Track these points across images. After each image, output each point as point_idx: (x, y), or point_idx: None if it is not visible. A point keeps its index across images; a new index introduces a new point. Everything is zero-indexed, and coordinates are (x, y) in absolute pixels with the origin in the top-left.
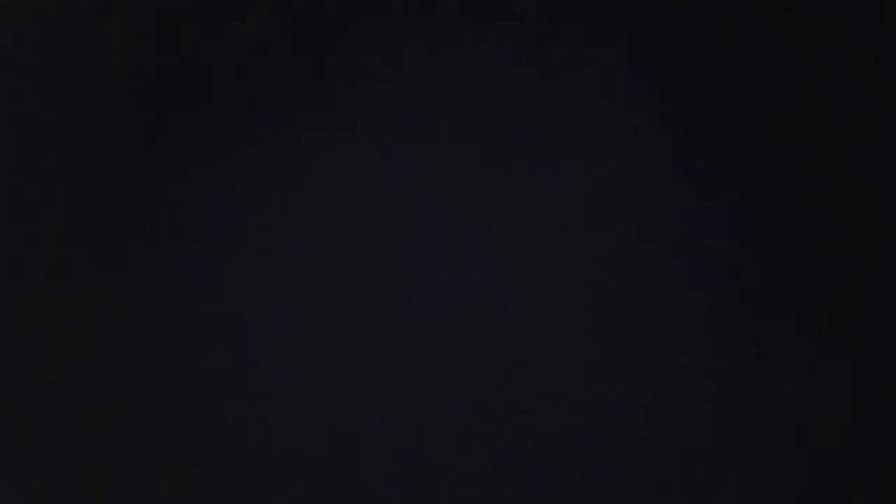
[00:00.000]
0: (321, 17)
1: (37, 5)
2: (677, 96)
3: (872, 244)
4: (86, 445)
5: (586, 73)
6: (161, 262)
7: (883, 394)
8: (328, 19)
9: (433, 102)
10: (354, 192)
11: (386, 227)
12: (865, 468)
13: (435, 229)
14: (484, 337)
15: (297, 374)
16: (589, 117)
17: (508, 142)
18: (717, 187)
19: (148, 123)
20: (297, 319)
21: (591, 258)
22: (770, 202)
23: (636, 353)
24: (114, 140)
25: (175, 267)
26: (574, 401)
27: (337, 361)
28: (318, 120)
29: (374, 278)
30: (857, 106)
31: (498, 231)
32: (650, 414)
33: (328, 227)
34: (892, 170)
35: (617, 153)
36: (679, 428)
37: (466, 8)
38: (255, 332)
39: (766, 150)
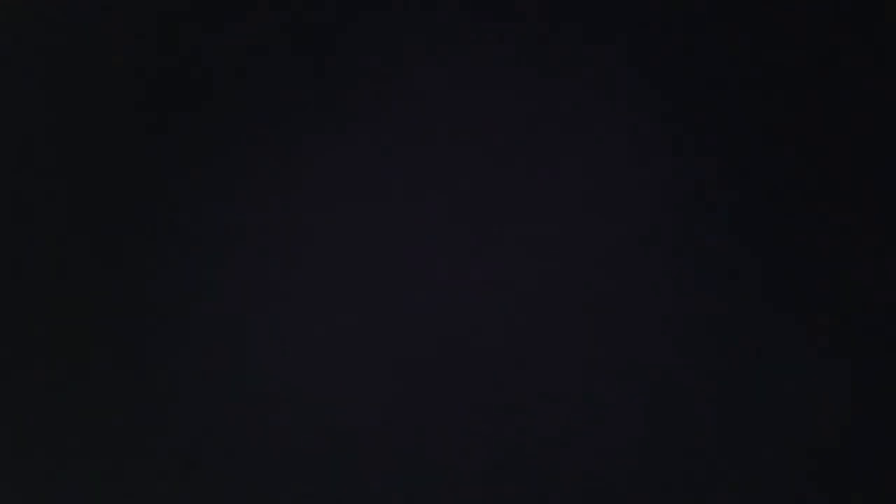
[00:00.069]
0: (321, 17)
1: (37, 5)
2: (677, 96)
3: (872, 244)
4: (86, 445)
5: (586, 73)
6: (161, 262)
7: (883, 394)
8: (328, 19)
9: (433, 102)
10: (354, 192)
11: (386, 227)
12: (865, 468)
13: (435, 229)
14: (484, 337)
15: (297, 374)
16: (589, 117)
17: (508, 142)
18: (717, 187)
19: (148, 123)
20: (296, 319)
21: (591, 258)
22: (770, 202)
23: (636, 353)
24: (114, 140)
25: (175, 267)
26: (574, 401)
27: (337, 361)
28: (318, 120)
29: (373, 278)
30: (857, 106)
31: (498, 231)
32: (650, 414)
33: (328, 227)
34: (892, 170)
35: (617, 153)
36: (679, 428)
37: (466, 8)
38: (255, 332)
39: (766, 150)
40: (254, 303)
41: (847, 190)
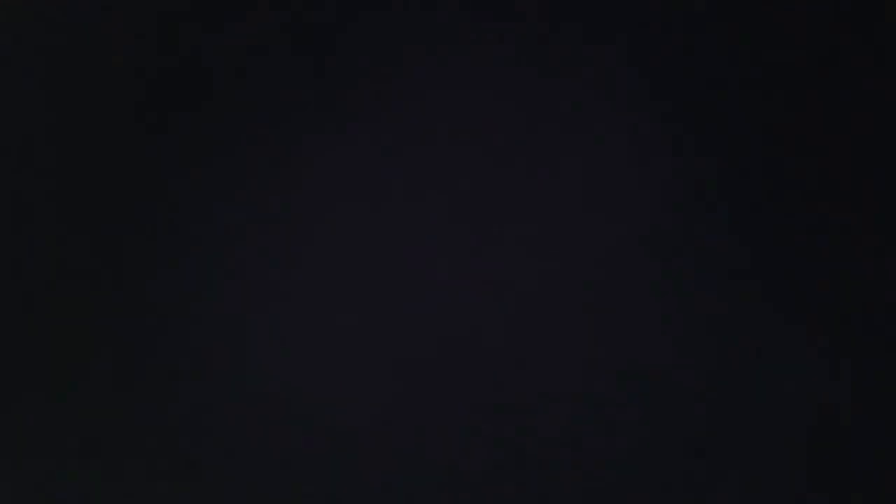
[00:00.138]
0: (321, 17)
1: (37, 5)
2: (677, 96)
3: (872, 244)
4: (86, 445)
5: (586, 73)
6: (161, 262)
7: (883, 394)
8: (328, 19)
9: (433, 102)
10: (354, 191)
11: (386, 226)
12: (865, 468)
13: (435, 229)
14: (484, 337)
15: (297, 374)
16: (589, 117)
17: (508, 142)
18: (717, 187)
19: (148, 123)
20: (296, 319)
21: (591, 258)
22: (770, 202)
23: (636, 353)
24: (114, 140)
25: (175, 267)
26: (574, 401)
27: (337, 361)
28: (318, 120)
29: (373, 278)
30: (857, 106)
31: (498, 231)
32: (650, 414)
33: (328, 227)
34: (892, 170)
35: (617, 153)
36: (679, 428)
37: (466, 8)
38: (254, 332)
39: (766, 150)
40: (254, 303)
41: (847, 190)
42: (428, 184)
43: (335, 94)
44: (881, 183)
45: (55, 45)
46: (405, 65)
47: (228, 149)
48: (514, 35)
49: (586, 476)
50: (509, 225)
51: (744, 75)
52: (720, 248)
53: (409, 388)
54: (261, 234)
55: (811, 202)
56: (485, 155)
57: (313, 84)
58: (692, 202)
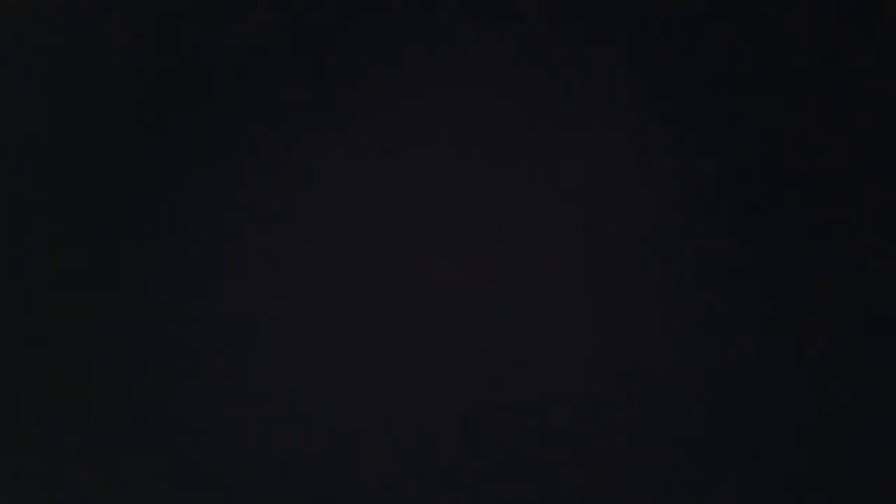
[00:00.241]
0: (321, 17)
1: (37, 5)
2: (677, 96)
3: (872, 244)
4: (86, 445)
5: (586, 73)
6: (161, 262)
7: (883, 394)
8: (328, 19)
9: (433, 102)
10: (354, 191)
11: (386, 226)
12: (865, 468)
13: (435, 229)
14: (484, 337)
15: (297, 374)
16: (589, 117)
17: (508, 142)
18: (717, 187)
19: (148, 123)
20: (296, 319)
21: (591, 258)
22: (770, 202)
23: (636, 353)
24: (114, 140)
25: (175, 267)
26: (574, 401)
27: (337, 361)
28: (318, 120)
29: (373, 278)
30: (857, 106)
31: (498, 231)
32: (650, 414)
33: (328, 227)
34: (892, 170)
35: (617, 153)
36: (679, 428)
37: (466, 8)
38: (255, 332)
39: (766, 150)
40: (254, 302)
41: (847, 190)
42: (428, 184)
43: (335, 94)
44: (881, 183)
45: (55, 45)
46: (405, 65)
47: (228, 149)
48: (514, 35)
49: (586, 476)
50: (509, 225)
51: (744, 75)
52: (720, 248)
53: (409, 388)
54: (261, 235)
55: (811, 202)
56: (485, 155)
57: (313, 84)
58: (692, 202)
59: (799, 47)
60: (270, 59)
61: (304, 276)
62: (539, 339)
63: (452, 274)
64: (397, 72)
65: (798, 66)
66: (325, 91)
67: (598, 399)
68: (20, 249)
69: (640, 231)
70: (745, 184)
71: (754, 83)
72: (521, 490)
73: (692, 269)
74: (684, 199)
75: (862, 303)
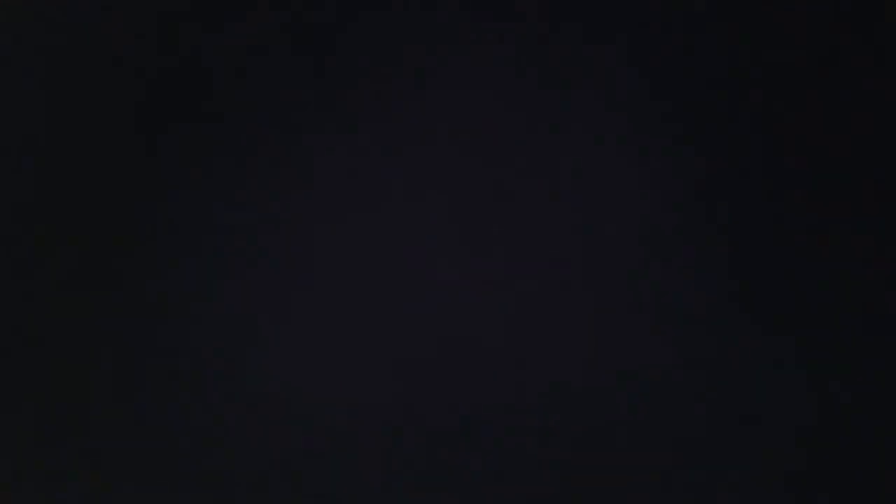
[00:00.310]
0: (321, 17)
1: (37, 5)
2: (677, 96)
3: (872, 244)
4: (86, 445)
5: (586, 72)
6: (161, 262)
7: (883, 394)
8: (328, 19)
9: (433, 102)
10: (354, 191)
11: (386, 226)
12: (866, 468)
13: (435, 229)
14: (484, 337)
15: (298, 375)
16: (589, 117)
17: (508, 142)
18: (717, 187)
19: (148, 123)
20: (296, 319)
21: (591, 258)
22: (770, 202)
23: (636, 353)
24: (114, 140)
25: (175, 267)
26: (574, 401)
27: (337, 361)
28: (318, 120)
29: (374, 278)
30: (857, 106)
31: (498, 231)
32: (650, 414)
33: (328, 227)
34: (893, 170)
35: (617, 153)
36: (679, 428)
37: (466, 8)
38: (255, 332)
39: (766, 150)
40: (254, 303)
41: (847, 190)
42: (428, 184)
43: (335, 94)
44: (881, 183)
45: (55, 45)
46: (405, 65)
47: (228, 149)
48: (514, 35)
49: (586, 476)
50: (509, 225)
51: (744, 75)
52: (720, 248)
53: (409, 388)
54: (261, 235)
55: (811, 202)
56: (485, 155)
57: (313, 84)
58: (692, 202)
59: (799, 47)
60: (270, 59)
61: (304, 276)
62: (539, 339)
63: (452, 274)
64: (397, 72)
65: (798, 66)
66: (325, 91)
67: (598, 399)
68: (20, 249)
69: (639, 231)
70: (745, 184)
71: (754, 83)
72: (521, 490)
73: (692, 269)
74: (684, 199)
75: (862, 303)
